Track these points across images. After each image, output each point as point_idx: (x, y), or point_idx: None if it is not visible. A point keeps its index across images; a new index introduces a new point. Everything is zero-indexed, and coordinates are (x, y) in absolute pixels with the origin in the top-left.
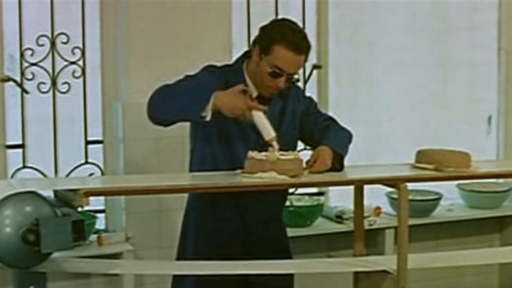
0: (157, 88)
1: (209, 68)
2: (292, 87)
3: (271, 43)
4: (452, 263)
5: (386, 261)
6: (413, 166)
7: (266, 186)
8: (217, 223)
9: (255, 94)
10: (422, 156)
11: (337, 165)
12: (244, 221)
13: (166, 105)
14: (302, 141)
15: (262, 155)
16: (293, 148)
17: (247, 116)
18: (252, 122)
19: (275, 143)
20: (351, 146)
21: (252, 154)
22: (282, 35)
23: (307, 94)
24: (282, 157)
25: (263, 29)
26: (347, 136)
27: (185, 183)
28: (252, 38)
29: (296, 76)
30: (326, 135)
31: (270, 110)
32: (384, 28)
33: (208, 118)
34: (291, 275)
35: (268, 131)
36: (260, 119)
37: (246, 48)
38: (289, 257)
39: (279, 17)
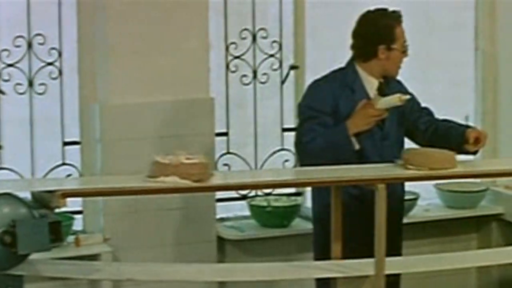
0: (298, 148)
1: (315, 86)
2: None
3: (391, 31)
4: (429, 268)
5: (364, 265)
6: (404, 167)
7: (167, 191)
8: None
9: (375, 86)
10: (411, 155)
11: None
12: None
13: (320, 161)
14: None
15: (166, 158)
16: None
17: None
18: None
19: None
20: None
21: (156, 158)
22: (391, 19)
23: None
24: (186, 161)
25: (367, 32)
26: None
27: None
28: (228, 40)
29: None
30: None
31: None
32: None
33: (357, 147)
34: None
35: None
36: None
37: (223, 48)
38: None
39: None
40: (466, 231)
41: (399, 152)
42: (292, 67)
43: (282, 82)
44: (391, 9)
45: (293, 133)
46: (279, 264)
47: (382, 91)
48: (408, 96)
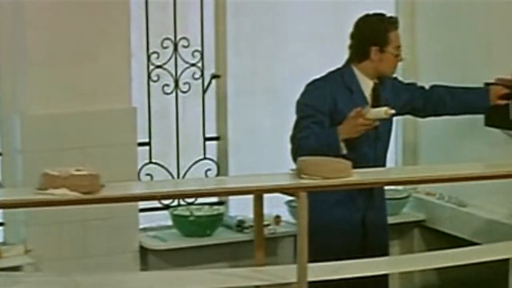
0: (293, 142)
1: (314, 85)
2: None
3: (385, 34)
4: (352, 274)
5: (286, 272)
6: (298, 176)
7: (56, 203)
8: None
9: (371, 86)
10: (305, 164)
11: None
12: None
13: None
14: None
15: (55, 170)
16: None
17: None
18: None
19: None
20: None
21: (46, 170)
22: (386, 23)
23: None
24: (75, 173)
25: (362, 34)
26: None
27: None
28: (149, 50)
29: None
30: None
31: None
32: (283, 37)
33: (344, 152)
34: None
35: None
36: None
37: (145, 57)
38: None
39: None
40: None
41: (386, 150)
42: (214, 76)
43: (204, 91)
44: (388, 15)
45: (215, 142)
46: (201, 272)
47: (377, 92)
48: (393, 111)
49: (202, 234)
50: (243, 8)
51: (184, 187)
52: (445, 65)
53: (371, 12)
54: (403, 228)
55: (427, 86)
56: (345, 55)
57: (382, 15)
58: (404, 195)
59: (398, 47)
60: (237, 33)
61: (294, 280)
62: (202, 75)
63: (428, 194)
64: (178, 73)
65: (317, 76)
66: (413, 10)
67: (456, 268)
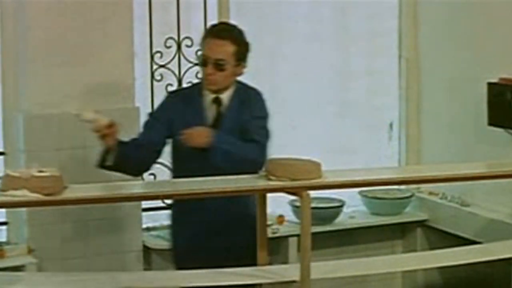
0: None
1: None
2: (252, 93)
3: (203, 42)
4: (355, 272)
5: (290, 271)
6: (266, 177)
7: (17, 204)
8: None
9: (210, 98)
10: (273, 166)
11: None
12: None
13: None
14: None
15: (17, 172)
16: None
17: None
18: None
19: None
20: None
21: (8, 171)
22: (206, 32)
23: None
24: (37, 174)
25: None
26: (243, 150)
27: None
28: (153, 49)
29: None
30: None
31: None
32: (285, 37)
33: (109, 163)
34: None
35: None
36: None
37: (148, 56)
38: None
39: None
40: (391, 238)
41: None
42: None
43: None
44: (226, 25)
45: None
46: (203, 271)
47: (219, 103)
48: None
49: None
50: (245, 7)
51: (183, 187)
52: (447, 64)
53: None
54: (406, 228)
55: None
56: (346, 55)
57: (218, 24)
58: (407, 194)
59: (203, 55)
60: None
61: (297, 278)
62: None
63: (431, 193)
64: (182, 72)
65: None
66: (415, 9)
67: (459, 267)
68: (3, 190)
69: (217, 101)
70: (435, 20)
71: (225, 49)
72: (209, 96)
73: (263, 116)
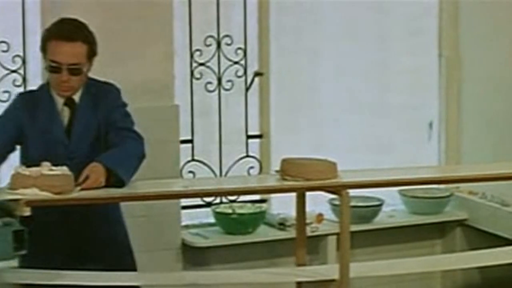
0: None
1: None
2: (108, 90)
3: (44, 44)
4: (394, 271)
5: (329, 270)
6: (281, 178)
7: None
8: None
9: (61, 102)
10: (288, 165)
11: (115, 181)
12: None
13: None
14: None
15: (27, 170)
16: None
17: None
18: None
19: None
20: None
21: (18, 169)
22: (48, 31)
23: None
24: (47, 173)
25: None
26: (131, 154)
27: None
28: (192, 47)
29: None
30: (103, 153)
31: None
32: (324, 35)
33: None
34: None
35: None
36: None
37: (188, 55)
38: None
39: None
40: (430, 237)
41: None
42: (257, 74)
43: (247, 89)
44: (75, 24)
45: (257, 140)
46: (240, 271)
47: (73, 106)
48: None
49: (244, 232)
50: (285, 6)
51: (224, 185)
52: (487, 63)
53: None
54: (445, 227)
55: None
56: (386, 54)
57: (63, 22)
58: (446, 194)
59: (52, 61)
60: (279, 31)
61: (336, 277)
62: (245, 72)
63: (470, 193)
64: (221, 70)
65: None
66: (455, 8)
67: (498, 267)
68: (13, 189)
69: (69, 103)
70: (475, 18)
71: (79, 52)
72: (60, 99)
73: (122, 104)
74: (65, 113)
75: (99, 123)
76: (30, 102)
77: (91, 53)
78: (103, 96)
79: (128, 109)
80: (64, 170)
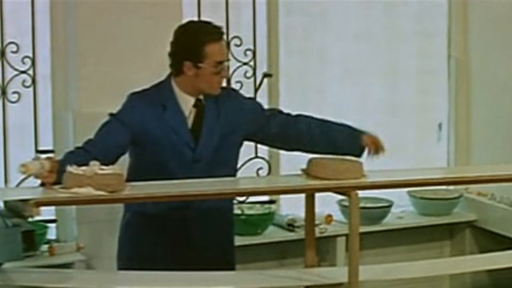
0: None
1: (130, 98)
2: (226, 92)
3: (199, 48)
4: (404, 275)
5: (337, 273)
6: (307, 177)
7: (86, 201)
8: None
9: (191, 103)
10: (311, 165)
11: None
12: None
13: None
14: (258, 141)
15: (80, 169)
16: (234, 152)
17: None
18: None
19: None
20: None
21: (70, 168)
22: (203, 35)
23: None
24: (100, 172)
25: (176, 45)
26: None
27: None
28: None
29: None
30: (344, 128)
31: (207, 116)
32: (334, 36)
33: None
34: (233, 252)
35: None
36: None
37: None
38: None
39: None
40: (439, 238)
41: (215, 172)
42: (266, 75)
43: (256, 90)
44: (213, 24)
45: None
46: (246, 272)
47: (200, 109)
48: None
49: (253, 233)
50: (294, 7)
51: (234, 186)
52: (497, 64)
53: (196, 19)
54: (454, 228)
55: (293, 114)
56: (395, 55)
57: (203, 23)
58: (456, 195)
59: (219, 62)
60: (288, 32)
61: (344, 280)
62: (254, 73)
63: (479, 194)
64: (230, 71)
65: (138, 89)
66: (465, 9)
67: (508, 270)
68: (67, 188)
69: (198, 104)
70: (484, 19)
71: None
72: (191, 100)
73: (247, 97)
74: (192, 114)
75: (221, 125)
76: (148, 101)
77: None
78: (226, 97)
79: None
80: (115, 168)
